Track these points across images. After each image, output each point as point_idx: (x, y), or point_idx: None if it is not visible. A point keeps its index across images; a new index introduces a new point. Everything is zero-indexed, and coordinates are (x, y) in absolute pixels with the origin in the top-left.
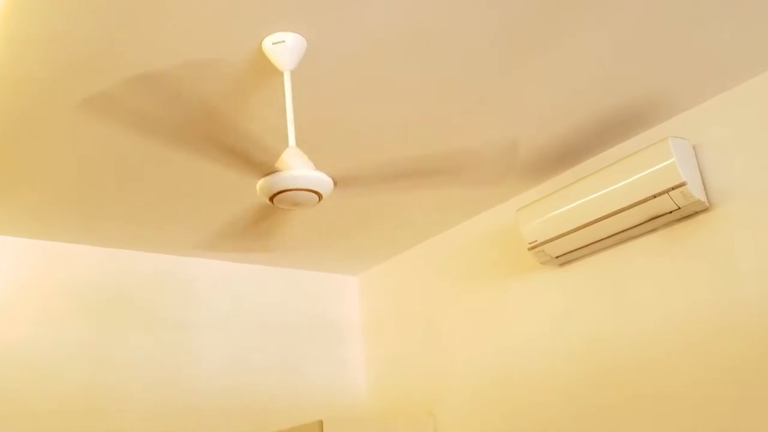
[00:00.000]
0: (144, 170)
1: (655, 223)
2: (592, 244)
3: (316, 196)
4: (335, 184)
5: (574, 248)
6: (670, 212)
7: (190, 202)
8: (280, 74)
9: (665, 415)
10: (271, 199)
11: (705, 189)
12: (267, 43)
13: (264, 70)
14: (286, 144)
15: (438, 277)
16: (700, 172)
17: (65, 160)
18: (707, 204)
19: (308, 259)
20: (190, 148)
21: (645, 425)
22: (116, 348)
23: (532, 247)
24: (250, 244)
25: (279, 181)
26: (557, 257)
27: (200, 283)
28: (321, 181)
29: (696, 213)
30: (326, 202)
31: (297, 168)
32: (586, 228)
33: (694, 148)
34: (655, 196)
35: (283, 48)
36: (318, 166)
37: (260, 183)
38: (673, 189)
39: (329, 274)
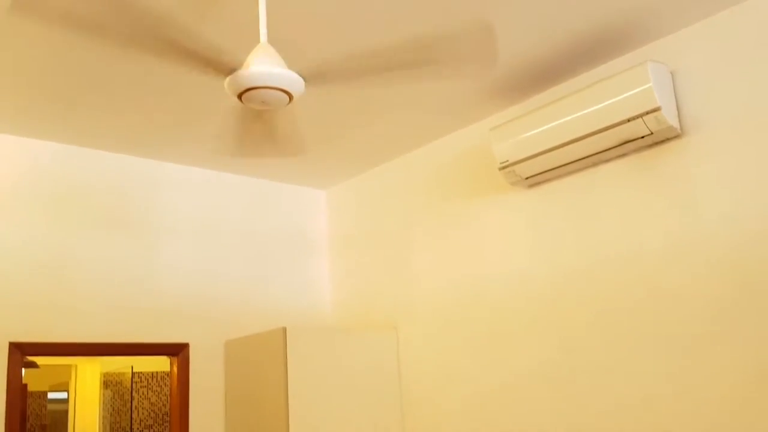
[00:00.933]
0: (107, 70)
1: (626, 147)
2: (562, 166)
3: (286, 96)
4: (307, 81)
5: (544, 170)
6: (642, 137)
7: (157, 102)
8: None
9: (627, 338)
10: (240, 96)
11: (679, 116)
12: None
13: None
14: (257, 42)
15: (407, 194)
16: (676, 99)
17: (26, 60)
18: (679, 131)
19: (277, 170)
20: (155, 49)
21: (606, 347)
22: (78, 246)
23: (503, 167)
24: (220, 148)
25: (247, 77)
26: (527, 178)
27: (167, 187)
28: (291, 79)
29: (667, 139)
30: (298, 108)
31: (267, 65)
32: (559, 150)
33: (671, 74)
34: (629, 120)
35: None
36: (291, 66)
37: (228, 79)
38: (647, 113)
39: (298, 186)
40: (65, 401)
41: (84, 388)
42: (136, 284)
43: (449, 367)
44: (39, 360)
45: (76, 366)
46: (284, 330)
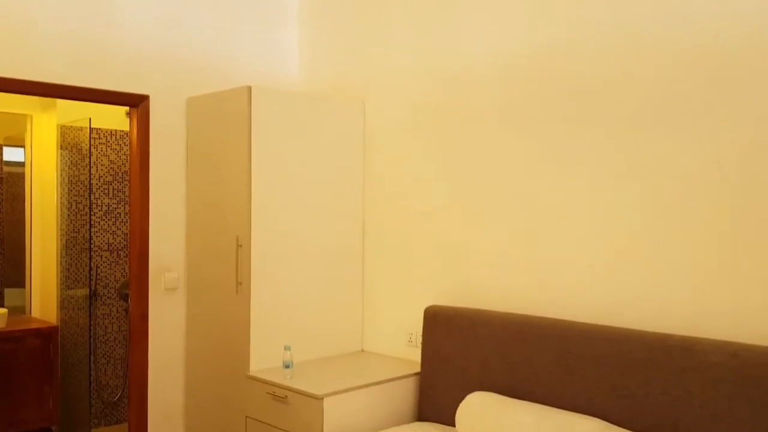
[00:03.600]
0: None
1: None
2: None
3: None
4: None
5: None
6: None
7: None
8: None
9: (601, 121)
10: None
11: None
12: None
13: None
14: None
15: None
16: None
17: None
18: None
19: None
20: None
21: (580, 140)
22: None
23: None
24: None
25: None
26: None
27: None
28: None
29: None
30: None
31: None
32: None
33: None
34: None
35: None
36: None
37: None
38: None
39: None
40: (21, 164)
41: (40, 144)
42: (96, 24)
43: (414, 153)
44: None
45: (31, 117)
46: (249, 89)
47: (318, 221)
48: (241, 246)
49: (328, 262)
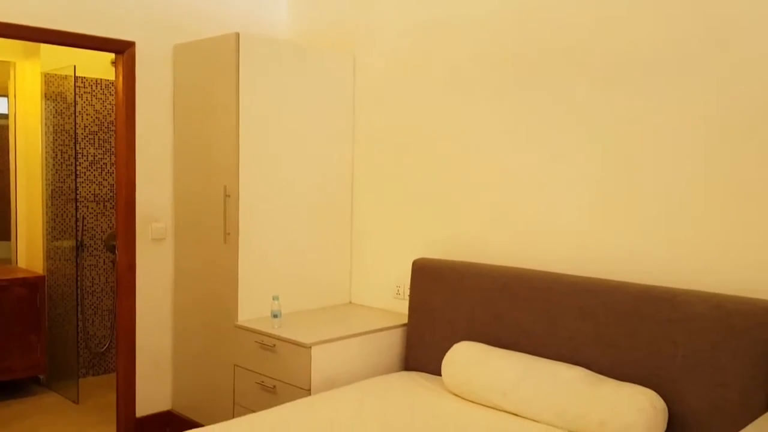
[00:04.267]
0: None
1: None
2: None
3: None
4: None
5: None
6: None
7: None
8: None
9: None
10: None
11: None
12: None
13: None
14: None
15: None
16: None
17: None
18: None
19: None
20: None
21: (567, 87)
22: None
23: None
24: None
25: None
26: None
27: None
28: None
29: None
30: None
31: None
32: None
33: None
34: None
35: None
36: None
37: None
38: None
39: None
40: (5, 116)
41: (24, 92)
42: None
43: (404, 107)
44: None
45: (14, 64)
46: (237, 36)
47: (307, 173)
48: (229, 196)
49: (316, 215)
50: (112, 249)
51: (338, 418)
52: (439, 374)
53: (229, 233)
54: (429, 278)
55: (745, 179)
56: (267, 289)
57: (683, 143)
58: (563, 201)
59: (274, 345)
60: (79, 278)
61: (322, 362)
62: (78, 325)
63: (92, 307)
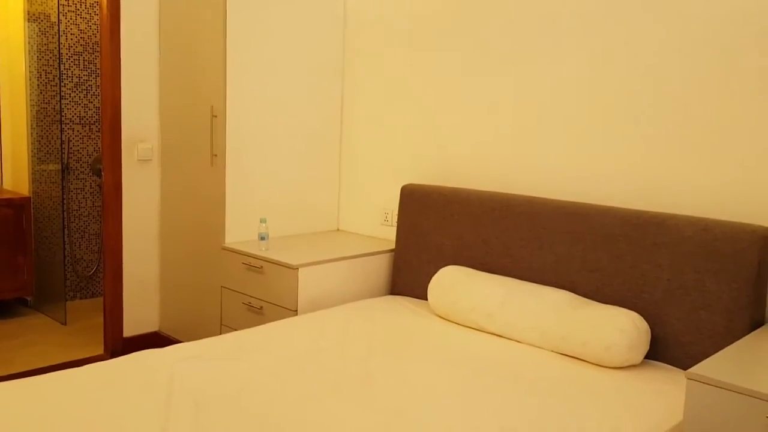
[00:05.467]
0: None
1: None
2: None
3: None
4: None
5: None
6: None
7: None
8: None
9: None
10: None
11: None
12: None
13: None
14: None
15: None
16: None
17: None
18: None
19: None
20: None
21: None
22: None
23: None
24: None
25: None
26: None
27: None
28: None
29: None
30: None
31: None
32: None
33: None
34: None
35: None
36: None
37: None
38: None
39: None
40: None
41: (6, 10)
42: None
43: (396, 34)
44: None
45: None
46: None
47: (296, 95)
48: (215, 116)
49: (305, 139)
50: (98, 173)
51: (324, 337)
52: (426, 299)
53: (216, 155)
54: (417, 204)
55: (732, 103)
56: (254, 212)
57: (667, 67)
58: (551, 127)
59: (261, 267)
60: (65, 201)
61: (309, 284)
62: (65, 249)
63: (79, 231)
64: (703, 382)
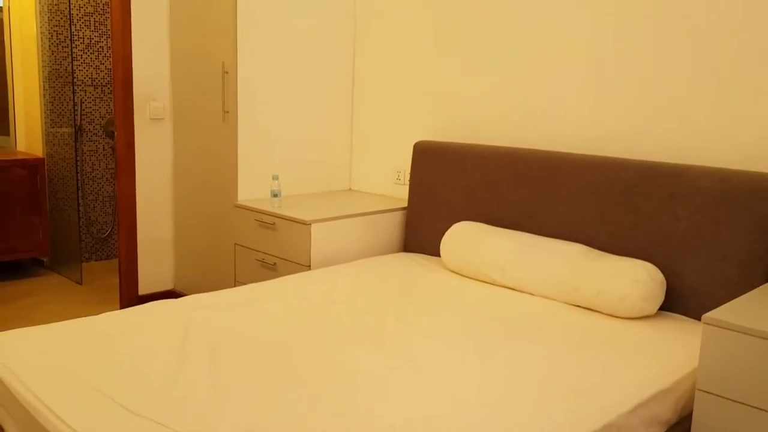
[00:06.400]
0: None
1: None
2: None
3: None
4: None
5: None
6: None
7: None
8: None
9: None
10: None
11: None
12: None
13: None
14: None
15: None
16: None
17: None
18: None
19: None
20: None
21: None
22: None
23: None
24: None
25: None
26: None
27: None
28: None
29: None
30: None
31: None
32: None
33: None
34: None
35: None
36: None
37: None
38: None
39: None
40: None
41: None
42: None
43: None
44: None
45: None
46: None
47: (307, 52)
48: (227, 72)
49: (317, 96)
50: (111, 135)
51: (336, 289)
52: (439, 256)
53: (227, 112)
54: (430, 160)
55: (752, 52)
56: (266, 170)
57: (686, 19)
58: (566, 80)
59: (274, 223)
60: (78, 163)
61: (321, 240)
62: (79, 210)
63: (93, 193)
64: (720, 326)
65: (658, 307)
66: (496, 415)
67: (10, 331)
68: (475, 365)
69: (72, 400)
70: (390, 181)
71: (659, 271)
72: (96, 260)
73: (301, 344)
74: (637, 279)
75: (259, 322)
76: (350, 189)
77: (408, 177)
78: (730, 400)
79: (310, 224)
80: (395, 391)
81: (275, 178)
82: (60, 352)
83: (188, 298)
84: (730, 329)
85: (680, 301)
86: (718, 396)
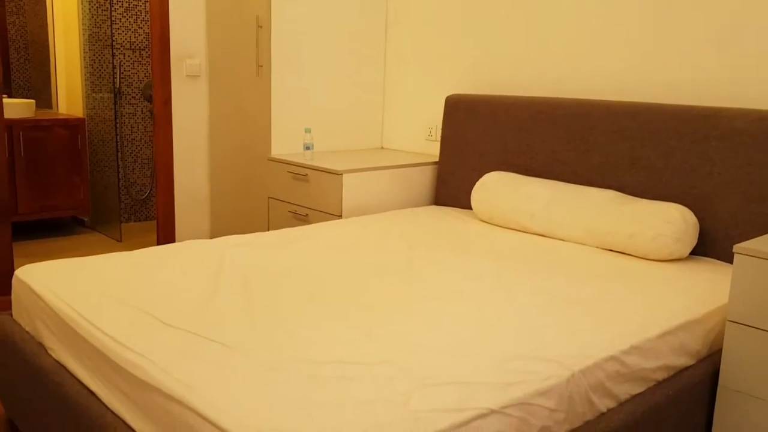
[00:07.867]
0: None
1: None
2: None
3: None
4: None
5: None
6: None
7: None
8: None
9: None
10: None
11: None
12: None
13: None
14: None
15: None
16: None
17: None
18: None
19: None
20: None
21: None
22: None
23: None
24: None
25: None
26: None
27: None
28: None
29: None
30: None
31: None
32: None
33: None
34: None
35: None
36: None
37: None
38: None
39: None
40: None
41: None
42: None
43: None
44: None
45: None
46: None
47: (339, 6)
48: (261, 27)
49: (350, 53)
50: (149, 99)
51: (366, 235)
52: (470, 209)
53: (261, 66)
54: (462, 113)
55: None
56: (299, 124)
57: None
58: (599, 26)
59: (307, 175)
60: (117, 126)
61: (353, 191)
62: (119, 171)
63: (132, 155)
64: (752, 255)
65: (690, 250)
66: (523, 336)
67: (52, 261)
68: (504, 297)
69: (109, 314)
70: (422, 138)
71: (692, 213)
72: (135, 221)
73: (331, 276)
74: (669, 220)
75: (290, 258)
76: (382, 147)
77: (440, 133)
78: (762, 329)
79: (342, 174)
80: (423, 317)
81: (308, 131)
82: (99, 278)
83: (223, 238)
84: (763, 257)
85: (713, 244)
86: (749, 326)
